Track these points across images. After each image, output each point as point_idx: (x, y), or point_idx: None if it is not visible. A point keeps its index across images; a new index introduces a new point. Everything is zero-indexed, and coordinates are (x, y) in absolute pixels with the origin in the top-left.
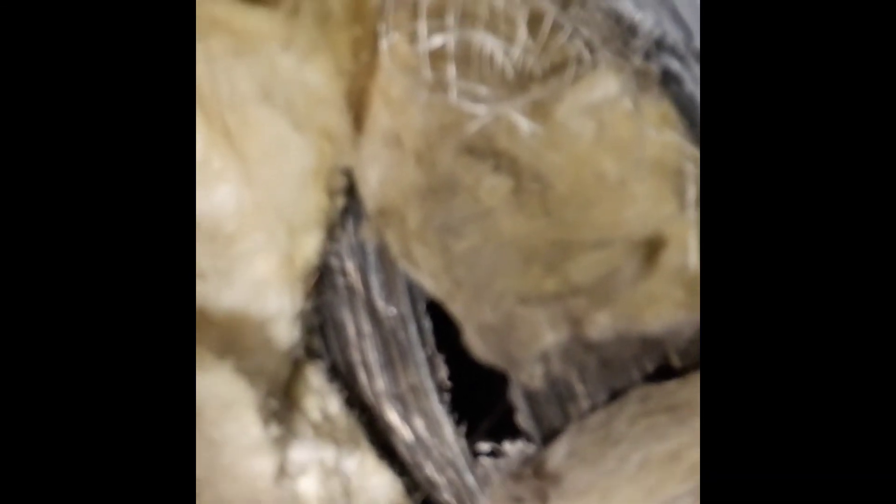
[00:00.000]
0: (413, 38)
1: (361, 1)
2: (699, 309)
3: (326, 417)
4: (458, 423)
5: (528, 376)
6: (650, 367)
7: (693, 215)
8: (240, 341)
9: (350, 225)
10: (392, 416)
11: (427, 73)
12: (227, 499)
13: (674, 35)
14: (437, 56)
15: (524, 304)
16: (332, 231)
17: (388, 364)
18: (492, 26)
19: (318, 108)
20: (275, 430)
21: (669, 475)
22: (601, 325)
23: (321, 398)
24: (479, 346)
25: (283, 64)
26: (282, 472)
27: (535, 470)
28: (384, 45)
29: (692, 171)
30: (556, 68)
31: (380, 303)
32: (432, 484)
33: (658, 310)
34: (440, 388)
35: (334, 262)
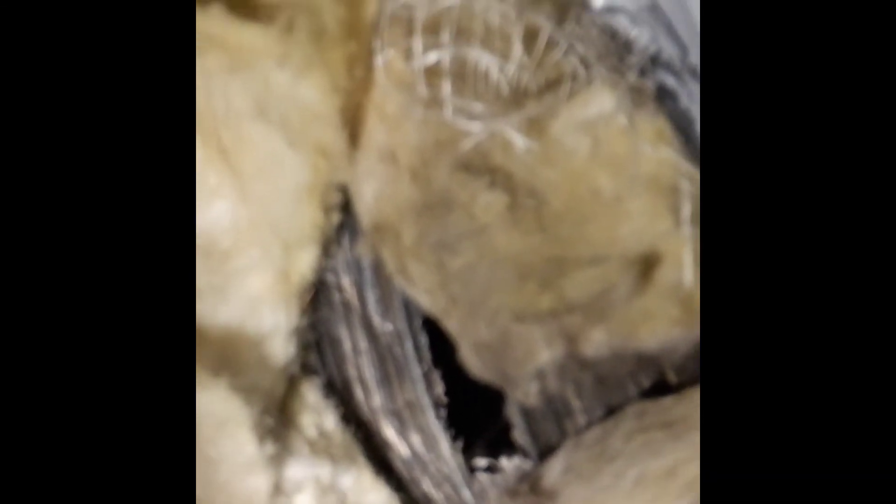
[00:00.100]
0: (408, 54)
1: (356, 17)
2: (694, 325)
3: (322, 434)
4: (454, 438)
5: (523, 394)
6: (646, 383)
7: (688, 232)
8: (235, 358)
9: (346, 241)
10: (389, 432)
11: (422, 90)
12: None
13: (669, 51)
14: (433, 73)
15: (519, 322)
16: (327, 247)
17: (385, 380)
18: (487, 43)
19: (313, 124)
20: (270, 447)
21: (665, 491)
22: (596, 342)
23: (317, 414)
24: (474, 363)
25: (278, 80)
26: (277, 490)
27: (531, 486)
28: (379, 61)
29: (687, 187)
30: (552, 85)
31: (376, 319)
32: (429, 500)
33: (653, 326)
34: (437, 404)
35: (330, 277)
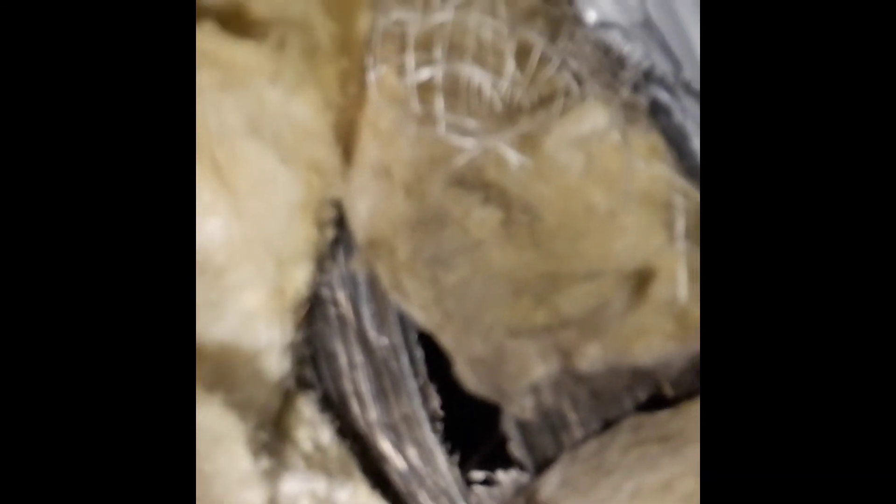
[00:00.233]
0: (401, 70)
1: (349, 34)
2: (689, 340)
3: (318, 448)
4: (451, 452)
5: (518, 408)
6: (642, 396)
7: (682, 247)
8: (230, 373)
9: (341, 256)
10: (385, 446)
11: (415, 106)
12: None
13: (662, 66)
14: (426, 89)
15: (514, 337)
16: (322, 262)
17: (381, 394)
18: (480, 59)
19: (306, 141)
20: (265, 462)
21: None
22: (591, 357)
23: (313, 429)
24: (469, 378)
25: (271, 97)
26: None
27: (528, 499)
28: (372, 77)
29: (681, 202)
30: (545, 101)
31: (371, 333)
32: None
33: (648, 341)
34: (433, 418)
35: (325, 292)
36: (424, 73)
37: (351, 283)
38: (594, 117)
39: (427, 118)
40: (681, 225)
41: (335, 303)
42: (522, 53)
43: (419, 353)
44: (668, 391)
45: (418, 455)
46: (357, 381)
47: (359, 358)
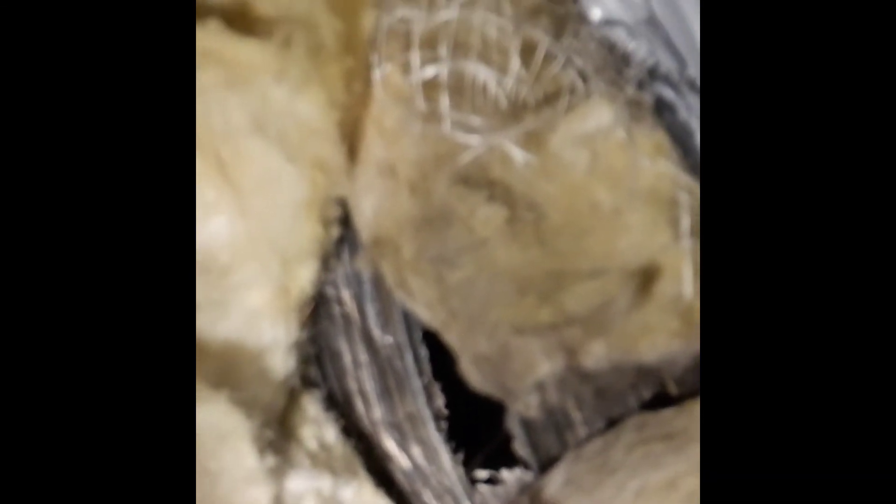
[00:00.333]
0: (406, 68)
1: (354, 32)
2: (694, 338)
3: (323, 446)
4: (455, 450)
5: (523, 406)
6: (647, 395)
7: (687, 244)
8: (235, 372)
9: (346, 254)
10: (389, 445)
11: (420, 104)
12: None
13: (667, 64)
14: (430, 86)
15: (519, 335)
16: (327, 261)
17: (385, 392)
18: (485, 56)
19: (311, 139)
20: (271, 460)
21: (666, 503)
22: (596, 355)
23: (318, 427)
24: (474, 376)
25: (276, 96)
26: (278, 503)
27: (532, 498)
28: (377, 75)
29: (686, 200)
30: (550, 98)
31: (376, 331)
32: None
33: (653, 339)
34: (437, 416)
35: (330, 291)
36: (429, 71)
37: (356, 282)
38: (599, 115)
39: (432, 116)
40: (686, 222)
41: (340, 301)
42: (527, 51)
43: (424, 352)
44: (673, 389)
45: (422, 454)
46: (361, 380)
47: (363, 356)
